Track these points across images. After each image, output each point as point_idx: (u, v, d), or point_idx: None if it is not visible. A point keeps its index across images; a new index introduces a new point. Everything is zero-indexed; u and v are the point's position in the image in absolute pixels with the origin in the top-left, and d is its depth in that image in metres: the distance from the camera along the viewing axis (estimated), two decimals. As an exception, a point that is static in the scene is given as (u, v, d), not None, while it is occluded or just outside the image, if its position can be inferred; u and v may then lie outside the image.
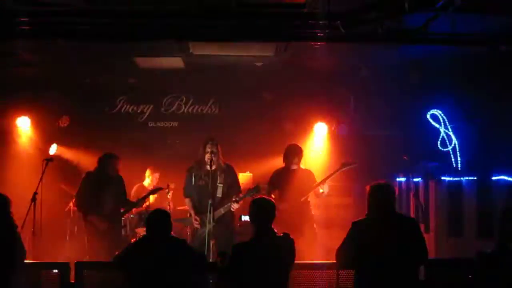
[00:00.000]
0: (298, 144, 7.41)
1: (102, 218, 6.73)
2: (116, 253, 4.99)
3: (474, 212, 7.83)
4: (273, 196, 7.05)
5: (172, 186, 8.11)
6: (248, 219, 4.62)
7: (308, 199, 7.22)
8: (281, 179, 7.12)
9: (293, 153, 7.18)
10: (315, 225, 7.24)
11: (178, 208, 8.09)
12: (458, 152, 9.01)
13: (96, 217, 6.73)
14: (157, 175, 8.79)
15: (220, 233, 6.45)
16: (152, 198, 8.59)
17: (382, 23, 6.40)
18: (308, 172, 7.33)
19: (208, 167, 6.60)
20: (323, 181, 7.12)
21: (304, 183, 7.11)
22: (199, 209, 6.67)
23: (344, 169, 7.15)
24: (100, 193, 6.85)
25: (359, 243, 4.47)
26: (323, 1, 6.13)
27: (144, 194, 7.99)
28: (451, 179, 8.47)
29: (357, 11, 6.20)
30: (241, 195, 6.68)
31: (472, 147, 8.88)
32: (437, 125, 9.23)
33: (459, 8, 5.70)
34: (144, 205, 8.43)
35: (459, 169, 8.89)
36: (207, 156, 6.62)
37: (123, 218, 7.81)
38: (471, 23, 6.65)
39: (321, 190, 7.08)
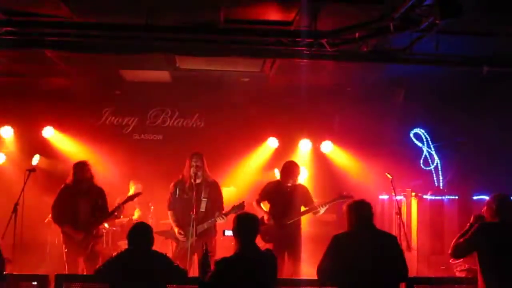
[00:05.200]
0: (296, 162, 7.24)
1: (77, 229, 6.63)
2: (97, 266, 4.95)
3: (456, 230, 7.89)
4: (263, 206, 7.04)
5: (151, 208, 8.45)
6: (232, 234, 4.62)
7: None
8: (274, 194, 7.07)
9: (291, 172, 7.03)
10: (301, 245, 7.14)
11: (160, 222, 8.06)
12: (440, 171, 9.11)
13: (71, 228, 6.64)
14: (139, 185, 8.74)
15: (201, 248, 6.41)
16: (136, 214, 8.60)
17: (368, 42, 6.49)
18: (303, 189, 7.19)
19: (192, 180, 6.62)
20: (313, 208, 7.05)
21: (297, 201, 7.04)
22: (182, 223, 6.66)
23: (339, 200, 7.01)
24: (75, 204, 6.70)
25: (339, 256, 4.49)
26: (309, 19, 6.21)
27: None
28: (433, 197, 8.55)
29: (343, 30, 6.28)
30: (224, 212, 6.67)
31: (454, 167, 8.98)
32: (420, 144, 9.33)
33: (443, 29, 5.81)
34: (127, 219, 8.40)
35: (441, 188, 8.98)
36: (192, 170, 6.65)
37: (104, 230, 7.76)
38: (455, 45, 6.77)
39: (322, 209, 7.00)
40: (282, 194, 7.01)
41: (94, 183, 6.88)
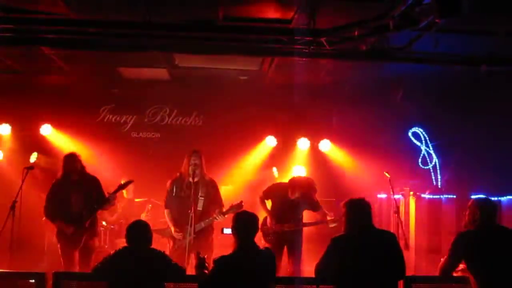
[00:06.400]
0: (305, 178, 7.21)
1: (67, 223, 6.47)
2: (90, 261, 4.94)
3: (453, 229, 7.90)
4: (267, 205, 7.04)
5: (149, 207, 8.46)
6: (230, 233, 4.61)
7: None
8: (278, 200, 7.06)
9: (296, 189, 6.94)
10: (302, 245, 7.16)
11: (158, 220, 8.05)
12: (438, 170, 9.11)
13: (61, 222, 6.51)
14: (131, 186, 8.74)
15: (199, 246, 6.41)
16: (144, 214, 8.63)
17: (367, 40, 6.49)
18: (307, 197, 7.07)
19: (190, 179, 6.60)
20: (313, 224, 7.17)
21: (300, 209, 7.06)
22: (178, 221, 6.64)
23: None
24: (66, 197, 6.57)
25: (338, 258, 4.49)
26: (308, 17, 6.20)
27: (121, 203, 7.95)
28: (431, 196, 8.55)
29: (342, 28, 6.27)
30: (224, 210, 6.64)
31: (452, 166, 8.98)
32: (418, 143, 9.33)
33: (442, 28, 5.81)
34: (123, 218, 8.39)
35: (439, 187, 8.98)
36: (190, 168, 6.61)
37: (102, 228, 7.75)
38: (454, 43, 6.77)
39: (331, 225, 6.92)
40: (285, 204, 6.97)
41: (86, 173, 6.73)
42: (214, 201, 6.74)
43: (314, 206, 7.11)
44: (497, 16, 6.13)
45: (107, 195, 6.60)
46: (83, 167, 6.72)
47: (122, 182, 6.90)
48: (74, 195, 6.58)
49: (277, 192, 7.08)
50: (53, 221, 6.63)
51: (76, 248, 6.47)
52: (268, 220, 6.95)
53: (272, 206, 7.09)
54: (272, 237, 6.87)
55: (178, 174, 6.80)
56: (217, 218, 6.57)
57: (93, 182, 6.72)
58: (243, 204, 6.60)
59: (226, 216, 6.52)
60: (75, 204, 6.56)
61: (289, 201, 6.95)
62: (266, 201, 7.10)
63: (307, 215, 7.34)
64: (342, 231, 4.67)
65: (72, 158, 6.69)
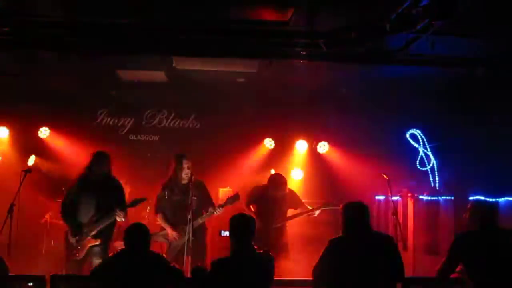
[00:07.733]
0: (282, 175, 7.46)
1: (74, 230, 6.31)
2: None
3: (451, 231, 7.90)
4: (252, 208, 7.15)
5: (147, 209, 8.30)
6: (228, 235, 4.62)
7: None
8: (261, 200, 7.26)
9: (278, 185, 7.24)
10: (289, 244, 7.36)
11: (156, 223, 8.04)
12: (436, 172, 9.12)
13: (68, 227, 6.38)
14: (126, 189, 8.73)
15: (193, 246, 6.42)
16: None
17: (364, 43, 6.50)
18: (290, 195, 7.40)
19: (183, 182, 6.75)
20: (297, 215, 7.37)
21: (284, 207, 7.31)
22: (174, 223, 6.74)
23: (324, 208, 7.28)
24: (79, 201, 6.37)
25: (336, 260, 4.49)
26: (306, 20, 6.21)
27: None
28: (429, 198, 8.55)
29: (339, 30, 6.29)
30: (219, 203, 6.78)
31: (450, 167, 8.99)
32: (416, 145, 9.34)
33: (438, 30, 5.82)
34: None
35: (437, 188, 8.99)
36: (184, 172, 6.75)
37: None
38: (450, 46, 6.78)
39: (316, 212, 7.34)
40: (269, 201, 7.19)
41: (110, 177, 6.46)
42: (206, 200, 6.86)
43: (296, 203, 7.41)
44: (494, 18, 6.14)
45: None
46: (110, 170, 6.47)
47: (135, 199, 6.50)
48: (87, 199, 6.37)
49: (259, 194, 7.32)
50: (64, 222, 6.50)
51: (77, 257, 6.36)
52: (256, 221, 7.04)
53: (258, 208, 7.27)
54: (258, 239, 6.92)
55: (167, 178, 6.85)
56: (215, 212, 6.67)
57: (115, 189, 6.47)
58: (239, 195, 6.75)
59: (223, 208, 6.66)
60: (86, 211, 6.37)
61: (273, 198, 7.16)
62: (251, 205, 7.32)
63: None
64: (340, 234, 4.68)
65: (101, 158, 6.41)
